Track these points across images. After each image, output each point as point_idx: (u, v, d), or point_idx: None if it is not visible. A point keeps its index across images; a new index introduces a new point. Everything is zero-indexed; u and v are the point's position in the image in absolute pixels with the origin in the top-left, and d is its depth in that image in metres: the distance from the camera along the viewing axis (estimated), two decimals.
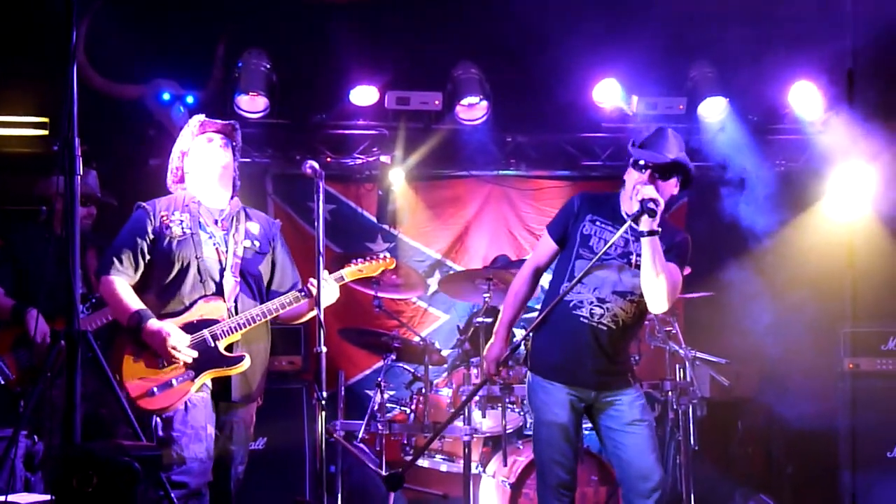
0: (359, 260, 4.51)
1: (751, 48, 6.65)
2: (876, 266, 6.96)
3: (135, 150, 6.68)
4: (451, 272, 7.18)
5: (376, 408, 5.57)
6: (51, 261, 4.56)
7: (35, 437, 4.67)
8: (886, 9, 6.13)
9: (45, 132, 6.45)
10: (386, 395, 5.62)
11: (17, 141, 6.47)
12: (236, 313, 4.12)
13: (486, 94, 6.68)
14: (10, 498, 3.68)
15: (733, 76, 6.78)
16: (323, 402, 3.96)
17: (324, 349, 3.97)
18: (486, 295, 5.75)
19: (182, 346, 3.95)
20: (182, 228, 4.12)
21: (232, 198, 4.30)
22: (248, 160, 6.80)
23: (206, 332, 4.04)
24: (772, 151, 7.25)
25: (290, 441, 6.22)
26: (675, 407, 5.81)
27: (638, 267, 4.03)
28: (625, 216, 4.10)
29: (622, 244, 4.07)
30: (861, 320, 6.90)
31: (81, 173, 3.38)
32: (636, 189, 3.97)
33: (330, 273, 4.27)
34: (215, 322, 4.07)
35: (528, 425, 5.77)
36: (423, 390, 5.66)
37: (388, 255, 4.66)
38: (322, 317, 4.03)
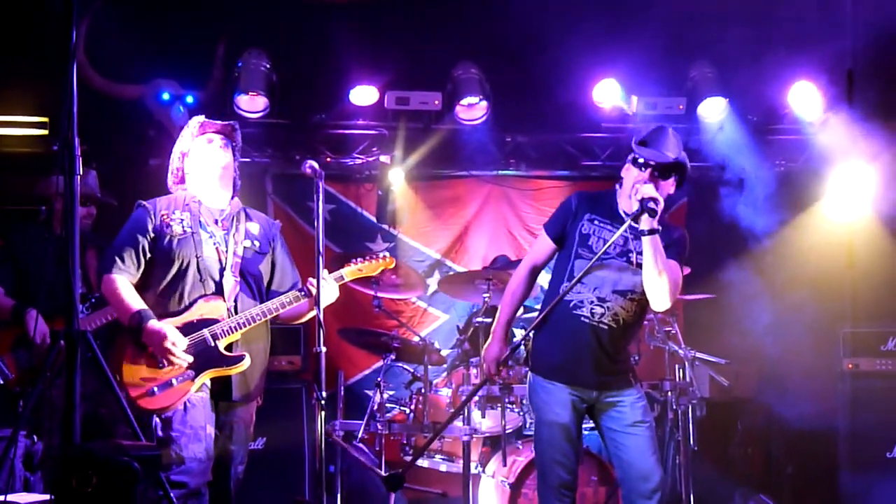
0: (358, 259, 4.52)
1: (751, 48, 6.65)
2: (875, 266, 6.96)
3: (135, 150, 6.68)
4: (451, 273, 7.17)
5: (376, 408, 5.57)
6: (50, 261, 4.56)
7: (34, 436, 4.67)
8: (886, 9, 6.13)
9: (45, 132, 6.44)
10: (385, 395, 5.62)
11: (17, 141, 6.47)
12: (236, 313, 4.12)
13: (485, 94, 6.68)
14: (10, 498, 3.68)
15: (733, 76, 6.78)
16: (322, 402, 3.96)
17: (323, 349, 3.98)
18: (485, 295, 5.75)
19: (179, 350, 3.95)
20: (183, 227, 4.13)
21: (232, 198, 4.30)
22: (247, 160, 6.79)
23: (205, 332, 4.04)
24: (771, 151, 7.25)
25: (289, 441, 6.22)
26: (674, 407, 5.81)
27: (638, 265, 4.02)
28: (622, 214, 4.10)
29: (621, 243, 4.07)
30: (860, 321, 6.91)
31: (81, 173, 3.38)
32: (635, 188, 3.97)
33: (329, 273, 4.27)
34: (215, 321, 4.07)
35: (527, 425, 5.77)
36: (423, 390, 5.66)
37: (387, 254, 4.66)
38: (322, 317, 4.03)
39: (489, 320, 5.17)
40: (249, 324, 4.11)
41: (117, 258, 4.07)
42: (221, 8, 6.36)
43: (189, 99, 6.55)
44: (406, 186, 7.31)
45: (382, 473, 5.22)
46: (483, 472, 5.75)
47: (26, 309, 4.74)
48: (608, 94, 6.81)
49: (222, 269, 4.14)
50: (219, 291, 4.11)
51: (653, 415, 4.49)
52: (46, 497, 3.55)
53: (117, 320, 4.29)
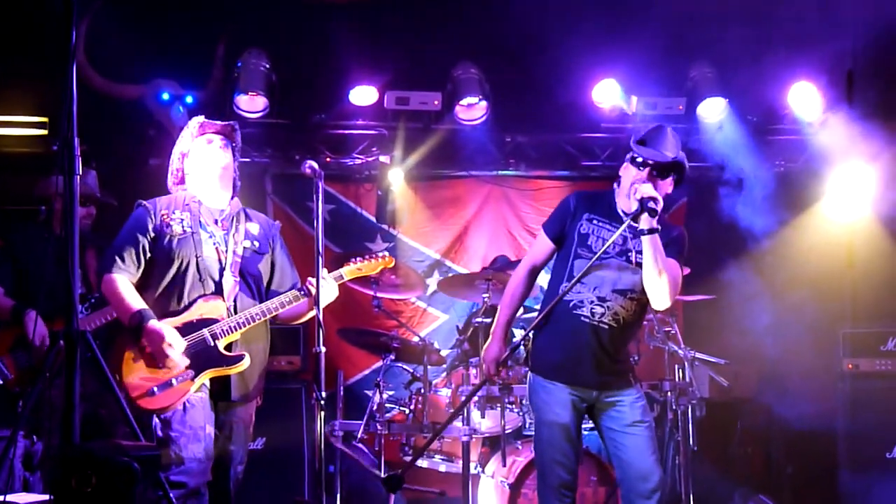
0: (358, 259, 4.52)
1: (751, 48, 6.65)
2: (875, 267, 6.97)
3: (134, 150, 6.68)
4: (450, 275, 7.17)
5: (375, 408, 5.57)
6: (50, 261, 4.56)
7: (34, 437, 4.67)
8: (886, 9, 6.13)
9: (45, 132, 6.45)
10: (385, 395, 5.62)
11: (17, 141, 6.48)
12: (235, 312, 4.12)
13: (485, 95, 6.68)
14: (9, 498, 3.68)
15: (733, 76, 6.78)
16: (322, 402, 3.96)
17: (323, 349, 3.98)
18: (485, 295, 5.75)
19: (175, 353, 3.94)
20: (183, 227, 4.13)
21: (232, 198, 4.30)
22: (247, 160, 6.79)
23: (205, 332, 4.04)
24: (771, 152, 7.26)
25: (289, 441, 6.22)
26: (674, 407, 5.81)
27: (637, 264, 4.02)
28: (621, 213, 4.10)
29: (620, 242, 4.06)
30: (860, 321, 6.91)
31: (81, 173, 3.38)
32: (634, 187, 3.97)
33: (329, 272, 4.27)
34: (215, 321, 4.07)
35: (527, 425, 5.77)
36: (422, 390, 5.66)
37: (387, 254, 4.66)
38: (321, 317, 4.04)
39: (489, 320, 5.17)
40: (249, 323, 4.11)
41: (117, 257, 4.07)
42: (221, 8, 6.36)
43: (189, 99, 6.55)
44: (406, 186, 7.31)
45: (381, 475, 5.22)
46: (482, 472, 5.75)
47: (26, 310, 4.74)
48: (608, 95, 6.81)
49: (222, 269, 4.14)
50: (218, 291, 4.11)
51: (652, 415, 4.48)
52: (46, 497, 3.55)
53: (117, 320, 4.29)
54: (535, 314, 4.75)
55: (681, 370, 5.88)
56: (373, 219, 7.44)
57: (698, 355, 5.93)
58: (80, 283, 4.61)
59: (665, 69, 6.75)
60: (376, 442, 5.58)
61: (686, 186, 6.93)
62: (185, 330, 4.02)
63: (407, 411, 5.84)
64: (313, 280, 4.13)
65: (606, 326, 4.06)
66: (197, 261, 4.10)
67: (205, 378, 4.03)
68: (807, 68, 6.78)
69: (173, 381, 3.96)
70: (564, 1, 6.26)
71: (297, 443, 6.25)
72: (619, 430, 4.10)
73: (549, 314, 4.05)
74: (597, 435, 4.28)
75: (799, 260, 7.11)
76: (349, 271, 4.43)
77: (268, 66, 6.55)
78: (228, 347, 4.09)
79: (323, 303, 4.10)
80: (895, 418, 6.49)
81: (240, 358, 4.08)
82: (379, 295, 5.84)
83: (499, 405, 5.55)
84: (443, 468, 5.83)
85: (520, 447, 5.61)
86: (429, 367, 5.62)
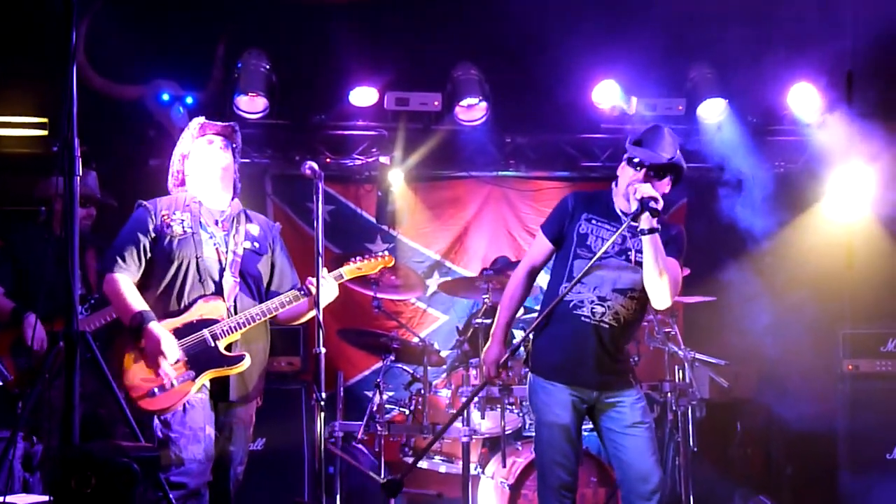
0: (357, 258, 4.51)
1: (750, 49, 6.65)
2: (875, 267, 6.96)
3: (134, 151, 6.68)
4: (450, 278, 7.17)
5: (375, 409, 5.57)
6: (50, 261, 4.55)
7: (34, 438, 4.67)
8: (886, 9, 6.13)
9: (45, 132, 6.45)
10: (385, 396, 5.63)
11: (17, 141, 6.48)
12: (235, 313, 4.12)
13: (485, 95, 6.68)
14: (9, 499, 3.68)
15: (733, 77, 6.78)
16: (322, 403, 3.96)
17: (323, 350, 3.97)
18: (485, 296, 5.75)
19: (166, 364, 3.93)
20: (183, 227, 4.13)
21: (233, 199, 4.30)
22: (247, 161, 6.80)
23: (205, 332, 4.03)
24: (771, 153, 7.25)
25: (289, 442, 6.21)
26: (674, 408, 5.81)
27: (637, 263, 4.02)
28: (619, 213, 4.10)
29: (619, 241, 4.06)
30: (860, 322, 6.91)
31: (81, 174, 3.38)
32: (633, 188, 3.96)
33: (329, 272, 4.27)
34: (215, 322, 4.06)
35: (527, 426, 5.77)
36: (422, 391, 5.66)
37: (386, 253, 4.66)
38: (321, 317, 4.03)
39: (489, 321, 5.18)
40: (249, 324, 4.11)
41: (118, 257, 4.07)
42: (221, 8, 6.35)
43: (189, 100, 6.55)
44: (406, 187, 7.31)
45: (381, 480, 5.22)
46: (482, 473, 5.75)
47: (25, 313, 4.74)
48: (608, 95, 6.81)
49: (222, 270, 4.14)
50: (218, 292, 4.11)
51: (652, 416, 4.49)
52: (45, 498, 3.55)
53: (117, 321, 4.29)
54: (536, 314, 4.75)
55: (681, 371, 5.88)
56: (373, 219, 7.44)
57: (698, 356, 5.93)
58: (80, 283, 4.61)
59: (665, 70, 6.75)
60: (376, 443, 5.58)
61: (686, 187, 6.97)
62: (185, 330, 4.02)
63: (407, 412, 5.84)
64: (313, 280, 4.12)
65: (607, 326, 4.06)
66: (197, 261, 4.10)
67: (205, 379, 4.03)
68: (806, 69, 6.77)
69: (174, 381, 3.96)
70: (564, 1, 6.25)
71: (296, 444, 6.25)
72: (620, 431, 4.09)
73: (550, 315, 4.05)
74: (597, 436, 4.27)
75: (799, 261, 7.11)
76: (349, 271, 4.42)
77: (268, 66, 6.55)
78: (229, 348, 4.08)
79: (323, 303, 4.10)
80: (895, 419, 6.49)
81: (240, 358, 4.08)
82: (379, 296, 5.84)
83: (499, 406, 5.55)
84: (443, 469, 5.84)
85: (520, 448, 5.61)
86: (429, 367, 5.62)
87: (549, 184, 7.66)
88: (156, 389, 3.94)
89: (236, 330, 4.08)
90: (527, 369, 4.28)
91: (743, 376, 6.73)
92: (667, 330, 5.89)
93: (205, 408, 4.04)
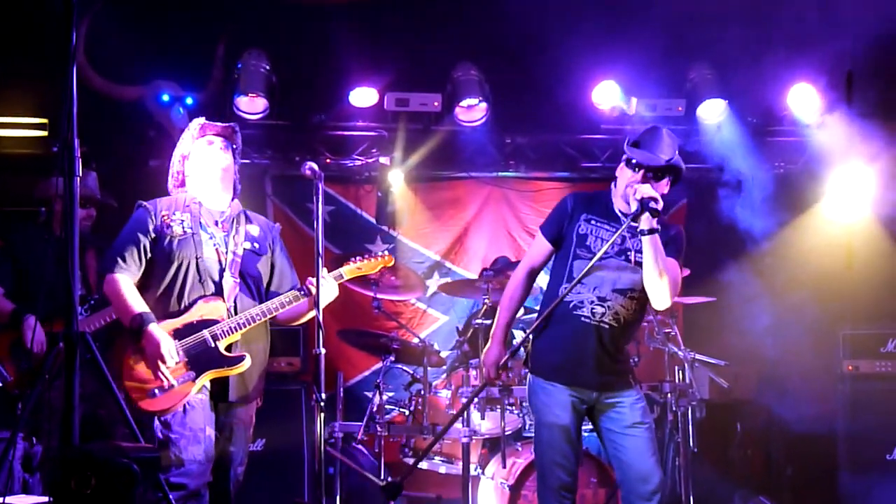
0: (357, 258, 4.51)
1: (750, 49, 6.64)
2: (875, 268, 6.96)
3: (135, 151, 6.68)
4: (450, 279, 7.17)
5: (375, 409, 5.57)
6: (50, 262, 4.55)
7: (33, 438, 4.66)
8: (886, 9, 6.13)
9: (45, 133, 6.45)
10: (385, 397, 5.62)
11: (17, 142, 6.48)
12: (235, 313, 4.12)
13: (485, 96, 6.68)
14: (9, 500, 3.68)
15: (732, 78, 6.78)
16: (322, 404, 3.96)
17: (323, 350, 3.97)
18: (484, 296, 5.75)
19: (164, 367, 3.92)
20: (183, 228, 4.13)
21: (233, 200, 4.30)
22: (247, 161, 6.79)
23: (205, 333, 4.03)
24: (771, 153, 7.25)
25: (288, 442, 6.21)
26: (674, 409, 5.81)
27: (637, 263, 4.03)
28: (618, 213, 4.10)
29: (619, 241, 4.06)
30: (860, 322, 6.90)
31: (81, 174, 3.38)
32: (633, 188, 3.96)
33: (329, 272, 4.27)
34: (215, 322, 4.06)
35: (527, 427, 5.77)
36: (422, 392, 5.66)
37: (386, 253, 4.66)
38: (321, 318, 4.03)
39: (489, 322, 5.18)
40: (249, 324, 4.11)
41: (119, 258, 4.07)
42: (221, 8, 6.35)
43: (189, 100, 6.55)
44: (406, 188, 7.31)
45: (380, 482, 5.22)
46: (482, 473, 5.75)
47: (25, 315, 4.74)
48: (608, 96, 6.81)
49: (222, 270, 4.14)
50: (218, 292, 4.11)
51: (652, 416, 4.48)
52: (45, 499, 3.54)
53: (117, 322, 4.28)
54: (535, 315, 4.75)
55: (681, 372, 5.88)
56: (373, 220, 7.44)
57: (698, 357, 5.92)
58: (80, 284, 4.61)
59: (665, 70, 6.74)
60: (376, 443, 5.58)
61: (685, 188, 6.97)
62: (185, 331, 4.02)
63: (407, 413, 5.84)
64: (313, 280, 4.12)
65: (607, 326, 4.05)
66: (197, 262, 4.10)
67: (206, 379, 4.03)
68: (806, 69, 6.77)
69: (174, 382, 3.96)
70: (564, 1, 6.25)
71: (296, 444, 6.25)
72: (619, 431, 4.09)
73: (549, 316, 4.05)
74: (597, 436, 4.27)
75: (799, 261, 7.11)
76: (349, 270, 4.42)
77: (268, 67, 6.55)
78: (229, 348, 4.08)
79: (323, 303, 4.10)
80: (895, 420, 6.49)
81: (241, 358, 4.08)
82: (379, 296, 5.84)
83: (499, 407, 5.55)
84: (443, 470, 5.83)
85: (520, 449, 5.60)
86: (429, 368, 5.62)
87: (549, 184, 7.66)
88: (156, 390, 3.94)
89: (236, 330, 4.08)
90: (526, 370, 4.28)
91: (743, 377, 6.73)
92: (667, 330, 5.88)
93: (205, 408, 4.04)
